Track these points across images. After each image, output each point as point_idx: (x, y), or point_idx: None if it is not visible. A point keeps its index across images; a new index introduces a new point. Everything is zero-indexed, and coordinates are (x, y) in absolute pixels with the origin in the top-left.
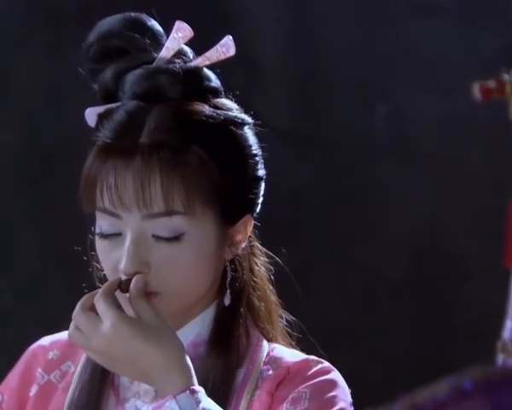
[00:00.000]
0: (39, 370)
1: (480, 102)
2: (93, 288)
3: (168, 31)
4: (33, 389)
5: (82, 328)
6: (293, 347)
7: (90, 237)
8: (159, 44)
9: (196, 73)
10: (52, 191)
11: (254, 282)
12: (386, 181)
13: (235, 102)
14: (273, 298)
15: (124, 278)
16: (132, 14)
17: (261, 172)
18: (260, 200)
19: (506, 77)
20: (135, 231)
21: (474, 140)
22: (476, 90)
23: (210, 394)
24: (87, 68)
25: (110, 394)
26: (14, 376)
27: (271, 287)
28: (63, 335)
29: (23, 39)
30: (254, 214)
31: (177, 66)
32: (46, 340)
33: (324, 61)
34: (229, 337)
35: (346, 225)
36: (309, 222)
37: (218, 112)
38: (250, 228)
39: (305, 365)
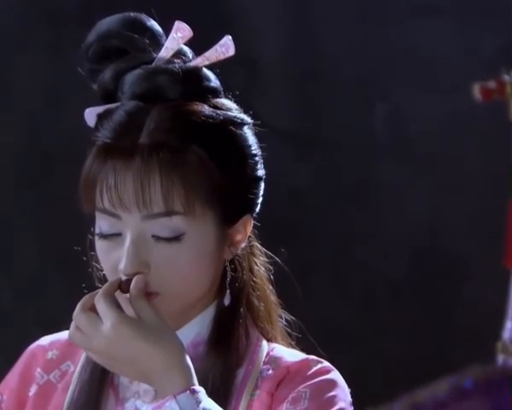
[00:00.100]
0: (39, 370)
1: (481, 102)
2: (93, 288)
3: (167, 31)
4: (33, 389)
5: (82, 328)
6: (292, 347)
7: (90, 237)
8: (158, 44)
9: (196, 73)
10: (52, 191)
11: (254, 282)
12: (386, 181)
13: (235, 102)
14: (273, 298)
15: (124, 278)
16: (131, 14)
17: (261, 172)
18: (260, 200)
19: (506, 77)
20: (135, 232)
21: (474, 140)
22: (476, 91)
23: (210, 394)
24: (86, 68)
25: (110, 393)
26: (13, 376)
27: (271, 287)
28: (62, 335)
29: (23, 39)
30: (254, 214)
31: (177, 66)
32: (45, 340)
33: (324, 61)
34: (229, 337)
35: (346, 225)
36: (309, 222)
37: (218, 112)
38: (250, 228)
39: (305, 364)
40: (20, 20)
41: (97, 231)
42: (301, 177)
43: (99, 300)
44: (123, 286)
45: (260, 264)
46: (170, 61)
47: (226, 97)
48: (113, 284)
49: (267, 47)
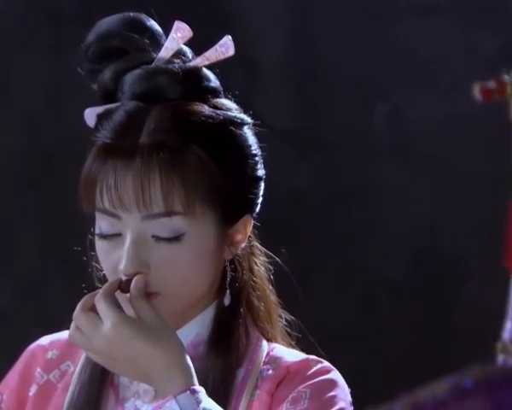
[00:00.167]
0: (38, 369)
1: (481, 102)
2: (93, 288)
3: (167, 31)
4: (33, 389)
5: (82, 328)
6: (292, 346)
7: (90, 237)
8: (158, 44)
9: (195, 73)
10: (52, 191)
11: (254, 282)
12: (386, 181)
13: (235, 102)
14: (273, 298)
15: (124, 278)
16: (131, 14)
17: (261, 172)
18: (260, 200)
19: (506, 78)
20: (135, 232)
21: (474, 140)
22: (477, 91)
23: (210, 394)
24: (86, 68)
25: (110, 393)
26: (13, 375)
27: (271, 287)
28: (62, 334)
29: (23, 39)
30: (254, 214)
31: (177, 66)
32: (45, 340)
33: (324, 61)
34: (229, 337)
35: (346, 225)
36: (309, 222)
37: (218, 112)
38: (250, 228)
39: (305, 364)
40: (20, 20)
41: (97, 231)
42: (301, 177)
43: (99, 300)
44: (123, 286)
45: (260, 264)
46: (170, 61)
47: (226, 97)
48: (113, 284)
49: (267, 47)
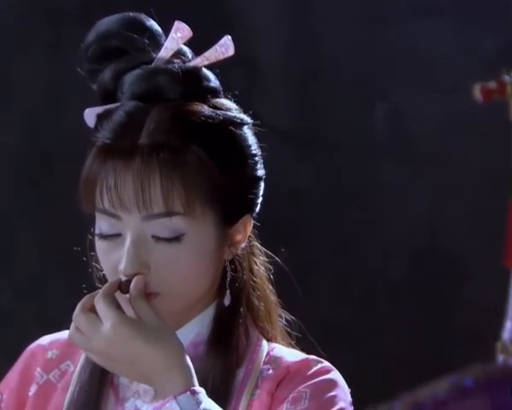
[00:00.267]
0: (38, 369)
1: (481, 103)
2: (93, 288)
3: (167, 31)
4: (32, 389)
5: (82, 329)
6: (292, 346)
7: (90, 237)
8: (157, 44)
9: (195, 73)
10: (52, 191)
11: (254, 282)
12: (386, 181)
13: (235, 102)
14: (272, 298)
15: (124, 278)
16: (131, 14)
17: (260, 172)
18: (260, 200)
19: (506, 78)
20: (135, 232)
21: (474, 140)
22: (477, 92)
23: (210, 394)
24: (86, 68)
25: (110, 393)
26: (13, 375)
27: (271, 287)
28: (62, 334)
29: (23, 39)
30: (254, 214)
31: (176, 66)
32: (45, 339)
33: (324, 61)
34: (229, 337)
35: (346, 225)
36: (309, 222)
37: (218, 112)
38: (250, 228)
39: (305, 364)
40: (20, 20)
41: (97, 231)
42: (301, 177)
43: (99, 300)
44: (123, 287)
45: (260, 264)
46: (169, 61)
47: (226, 97)
48: (113, 284)
49: (267, 47)
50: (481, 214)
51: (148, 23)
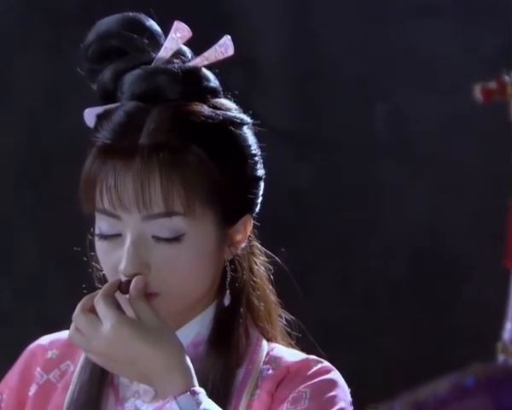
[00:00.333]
0: (38, 369)
1: (482, 103)
2: (93, 288)
3: (167, 31)
4: (32, 389)
5: (82, 329)
6: (292, 346)
7: (90, 237)
8: (157, 44)
9: (195, 73)
10: (52, 191)
11: (254, 282)
12: (386, 181)
13: (235, 102)
14: (272, 298)
15: (123, 279)
16: (130, 14)
17: (260, 171)
18: (260, 200)
19: (507, 78)
20: (135, 232)
21: (474, 140)
22: (477, 92)
23: (210, 393)
24: (86, 68)
25: (110, 393)
26: (13, 375)
27: (271, 287)
28: (62, 334)
29: (23, 39)
30: (254, 214)
31: (176, 66)
32: (45, 339)
33: (324, 61)
34: (229, 337)
35: (346, 225)
36: (309, 222)
37: (217, 112)
38: (250, 228)
39: (305, 364)
40: (20, 20)
41: (97, 231)
42: (301, 177)
43: (99, 301)
44: (122, 287)
45: (260, 264)
46: (169, 61)
47: (226, 97)
48: (113, 285)
49: (267, 47)
50: (481, 214)
51: (147, 23)
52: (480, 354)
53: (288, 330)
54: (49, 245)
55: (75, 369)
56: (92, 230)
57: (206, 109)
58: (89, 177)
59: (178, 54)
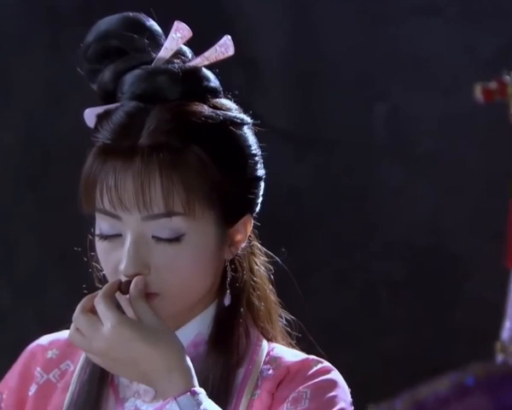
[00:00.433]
0: (38, 369)
1: (481, 103)
2: (93, 288)
3: (167, 31)
4: (32, 389)
5: (82, 330)
6: (292, 346)
7: (90, 237)
8: (157, 44)
9: (195, 73)
10: (52, 191)
11: (254, 282)
12: (386, 181)
13: (235, 102)
14: (273, 298)
15: (124, 279)
16: (131, 13)
17: (260, 171)
18: (260, 200)
19: (507, 78)
20: (135, 233)
21: (474, 140)
22: (477, 92)
23: (210, 393)
24: (86, 68)
25: (110, 393)
26: (12, 375)
27: (271, 286)
28: (62, 334)
29: (23, 39)
30: (254, 214)
31: (176, 66)
32: (45, 339)
33: (324, 61)
34: (230, 337)
35: (346, 224)
36: (309, 222)
37: (218, 112)
38: (250, 228)
39: (305, 364)
40: (19, 20)
41: (97, 232)
42: (301, 177)
43: (99, 301)
44: (122, 287)
45: (260, 264)
46: (169, 61)
47: (226, 97)
48: (113, 285)
49: (267, 47)
50: (481, 214)
51: (148, 23)
52: (480, 353)
53: (288, 330)
54: (49, 245)
55: (75, 369)
56: (92, 230)
57: (206, 109)
58: (89, 177)
59: (178, 54)
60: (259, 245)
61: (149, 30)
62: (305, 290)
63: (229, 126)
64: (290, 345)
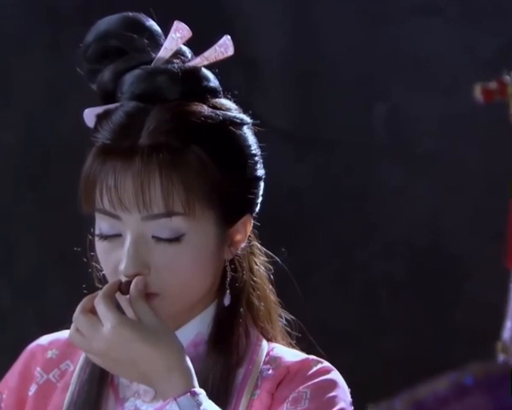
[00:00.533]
0: (38, 369)
1: (482, 103)
2: (93, 288)
3: (167, 31)
4: (32, 389)
5: (82, 330)
6: (292, 346)
7: (90, 237)
8: (157, 45)
9: (195, 73)
10: (52, 191)
11: (254, 281)
12: (386, 181)
13: (235, 101)
14: (272, 298)
15: (124, 279)
16: (130, 13)
17: (260, 171)
18: (260, 200)
19: (507, 78)
20: (135, 233)
21: (474, 140)
22: (477, 92)
23: (210, 393)
24: (85, 69)
25: (109, 393)
26: (12, 375)
27: (271, 286)
28: (62, 334)
29: (23, 39)
30: (254, 214)
31: (176, 66)
32: (45, 339)
33: (324, 61)
34: (229, 337)
35: (346, 224)
36: (309, 222)
37: (217, 112)
38: (250, 228)
39: (305, 364)
40: (19, 20)
41: (97, 232)
42: (301, 177)
43: (99, 302)
44: (123, 288)
45: (260, 264)
46: (169, 61)
47: (226, 97)
48: (113, 285)
49: (267, 47)
50: (481, 214)
51: (147, 23)
52: (480, 353)
53: (288, 330)
54: (49, 245)
55: (75, 369)
56: (92, 230)
57: (206, 109)
58: (88, 177)
59: (178, 54)
60: (259, 245)
61: (149, 30)
62: (305, 290)
63: (229, 126)
64: (290, 345)
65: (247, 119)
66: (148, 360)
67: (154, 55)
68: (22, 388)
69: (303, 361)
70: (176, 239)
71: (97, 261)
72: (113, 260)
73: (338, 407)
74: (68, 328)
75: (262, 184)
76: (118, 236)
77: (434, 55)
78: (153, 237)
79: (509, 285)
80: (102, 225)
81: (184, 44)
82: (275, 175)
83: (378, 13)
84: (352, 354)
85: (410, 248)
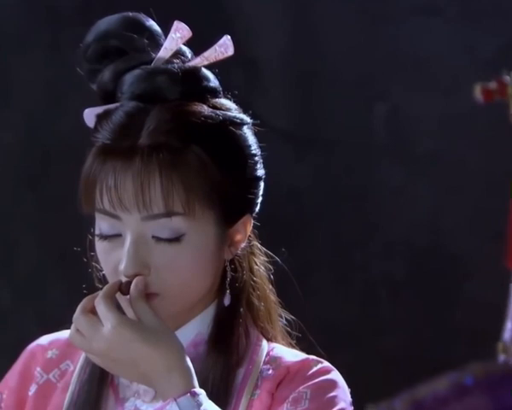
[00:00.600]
0: (38, 369)
1: (482, 103)
2: (93, 288)
3: (167, 31)
4: (32, 389)
5: (82, 331)
6: (292, 346)
7: (90, 237)
8: (157, 45)
9: (195, 73)
10: (52, 191)
11: (254, 281)
12: (386, 181)
13: (235, 102)
14: (272, 297)
15: (124, 279)
16: (130, 13)
17: (260, 171)
18: (260, 200)
19: (507, 78)
20: (135, 233)
21: (474, 140)
22: (477, 92)
23: (210, 393)
24: (85, 69)
25: (109, 393)
26: (12, 375)
27: (271, 286)
28: (62, 334)
29: (22, 39)
30: (254, 214)
31: (176, 66)
32: (45, 339)
33: (324, 61)
34: (229, 337)
35: (346, 224)
36: (309, 222)
37: (217, 112)
38: (250, 228)
39: (305, 364)
40: (19, 20)
41: (97, 232)
42: (301, 177)
43: (99, 302)
44: (123, 288)
45: (260, 264)
46: (169, 61)
47: (226, 97)
48: (114, 286)
49: (267, 47)
50: (481, 214)
51: (147, 23)
52: (480, 353)
53: (288, 330)
54: (49, 245)
55: (75, 369)
56: (92, 230)
57: (206, 109)
58: (88, 177)
59: (178, 54)
60: (259, 245)
61: (149, 30)
62: (305, 290)
63: (229, 126)
64: (290, 345)
65: (247, 119)
66: (148, 360)
67: (154, 55)
68: (22, 388)
69: (303, 361)
70: (176, 239)
71: (97, 261)
72: (113, 260)
73: (338, 407)
74: (68, 328)
75: (262, 184)
76: (118, 236)
77: (434, 55)
78: (153, 237)
79: (509, 285)
80: (102, 225)
81: (184, 44)
82: (275, 175)
83: (378, 13)
84: (352, 354)
85: (410, 248)
